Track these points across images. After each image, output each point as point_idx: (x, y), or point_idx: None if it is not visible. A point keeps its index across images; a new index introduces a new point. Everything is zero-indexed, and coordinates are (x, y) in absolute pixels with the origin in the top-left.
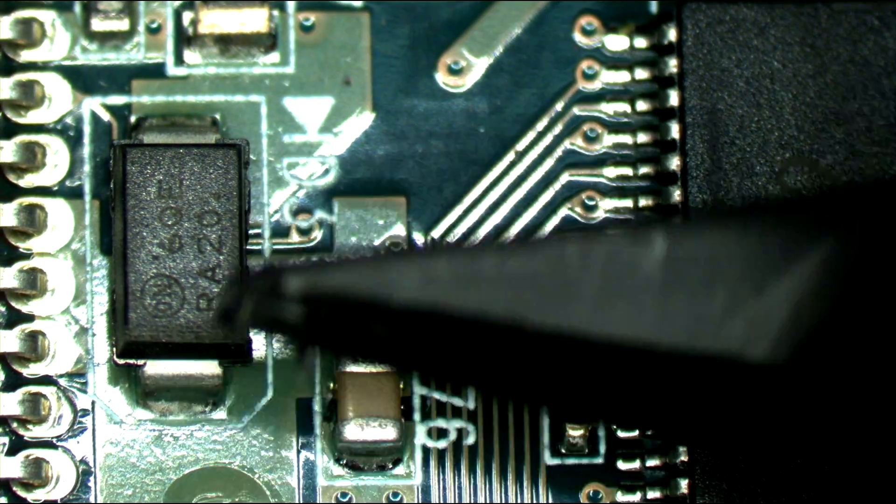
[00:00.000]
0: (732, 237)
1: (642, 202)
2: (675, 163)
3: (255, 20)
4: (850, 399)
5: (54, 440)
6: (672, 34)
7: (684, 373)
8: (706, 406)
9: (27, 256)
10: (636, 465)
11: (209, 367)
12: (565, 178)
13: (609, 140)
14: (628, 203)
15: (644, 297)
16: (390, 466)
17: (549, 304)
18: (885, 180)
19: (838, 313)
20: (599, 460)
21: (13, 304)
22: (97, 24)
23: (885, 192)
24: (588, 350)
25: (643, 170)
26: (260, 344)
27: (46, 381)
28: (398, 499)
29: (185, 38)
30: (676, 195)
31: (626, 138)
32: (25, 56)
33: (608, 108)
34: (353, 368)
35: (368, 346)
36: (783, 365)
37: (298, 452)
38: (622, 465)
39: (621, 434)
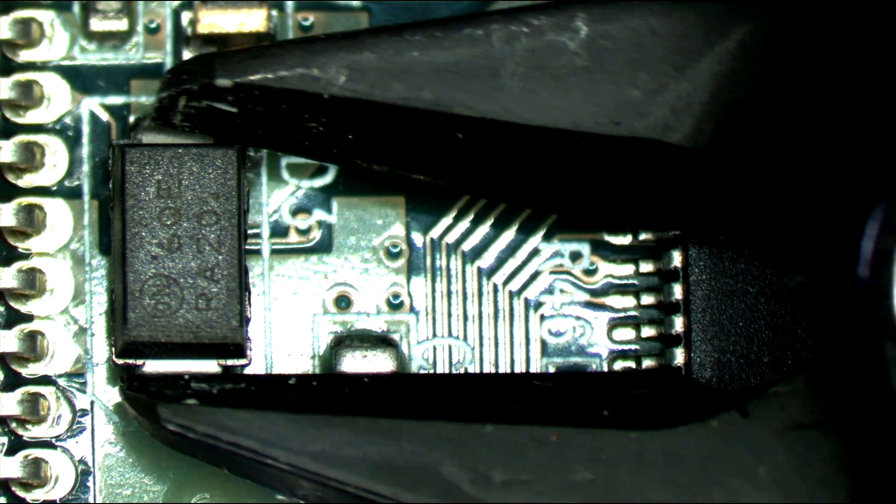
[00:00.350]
0: (654, 20)
1: None
2: None
3: (253, 20)
4: (768, 182)
5: (53, 440)
6: None
7: (609, 155)
8: (632, 187)
9: (26, 256)
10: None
11: (207, 368)
12: None
13: None
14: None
15: (568, 81)
16: None
17: (476, 91)
18: None
19: (756, 96)
20: None
21: (12, 304)
22: (96, 24)
23: None
24: (514, 134)
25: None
26: (258, 343)
27: (45, 381)
28: None
29: (183, 38)
30: None
31: None
32: (24, 56)
33: None
34: (352, 368)
35: (302, 138)
36: (704, 148)
37: None
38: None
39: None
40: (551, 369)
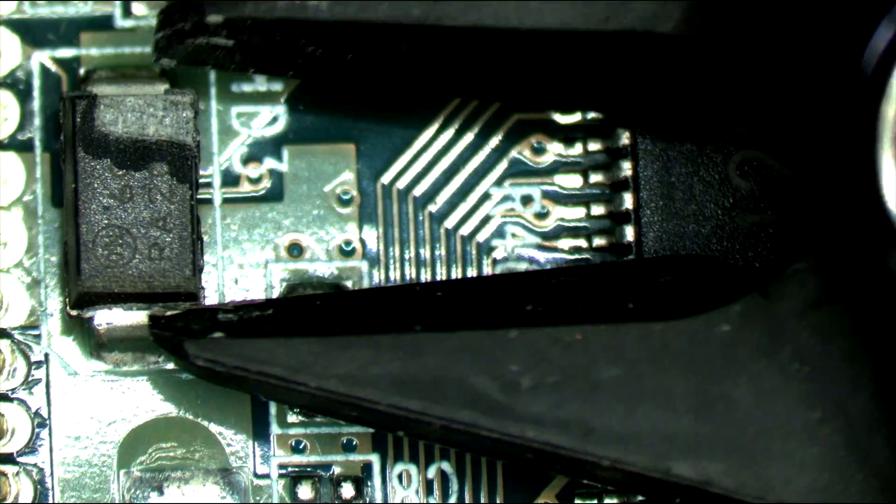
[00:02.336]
0: None
1: (591, 146)
2: None
3: None
4: (755, 68)
5: (9, 393)
6: None
7: (603, 51)
8: (628, 81)
9: None
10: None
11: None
12: (514, 119)
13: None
14: (577, 149)
15: None
16: None
17: (463, 1)
18: None
19: None
20: None
21: None
22: None
23: None
24: (506, 40)
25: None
26: (211, 292)
27: (0, 334)
28: (354, 444)
29: None
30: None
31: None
32: None
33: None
34: None
35: (303, 63)
36: (693, 35)
37: (252, 400)
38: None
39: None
40: None
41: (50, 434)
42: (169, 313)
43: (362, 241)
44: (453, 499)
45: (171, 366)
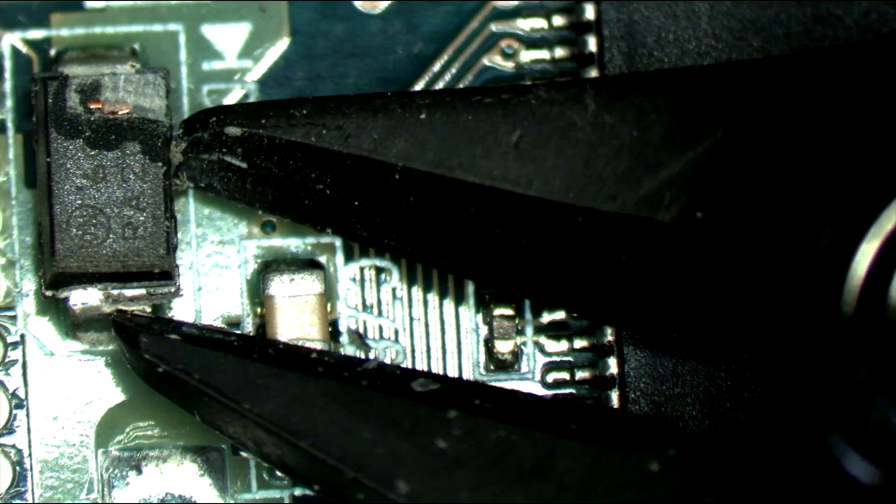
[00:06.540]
0: (660, 100)
1: None
2: (593, 75)
3: None
4: (754, 260)
5: None
6: None
7: (604, 230)
8: (620, 265)
9: None
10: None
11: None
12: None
13: (526, 56)
14: None
15: (570, 154)
16: None
17: (478, 156)
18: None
19: (748, 174)
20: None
21: None
22: None
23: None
24: (509, 203)
25: None
26: (185, 270)
27: None
28: None
29: None
30: None
31: (544, 54)
32: None
33: (525, 25)
34: (280, 292)
35: (310, 202)
36: (695, 225)
37: None
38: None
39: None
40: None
41: (27, 415)
42: (136, 312)
43: None
44: None
45: None
